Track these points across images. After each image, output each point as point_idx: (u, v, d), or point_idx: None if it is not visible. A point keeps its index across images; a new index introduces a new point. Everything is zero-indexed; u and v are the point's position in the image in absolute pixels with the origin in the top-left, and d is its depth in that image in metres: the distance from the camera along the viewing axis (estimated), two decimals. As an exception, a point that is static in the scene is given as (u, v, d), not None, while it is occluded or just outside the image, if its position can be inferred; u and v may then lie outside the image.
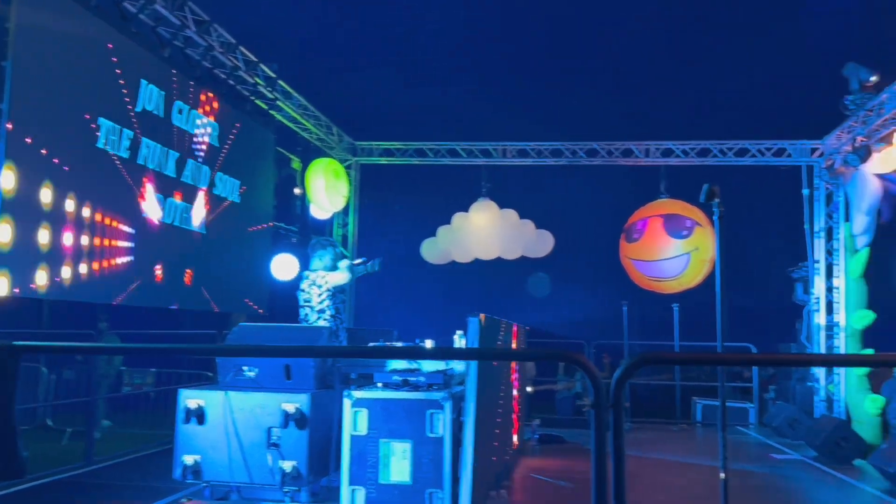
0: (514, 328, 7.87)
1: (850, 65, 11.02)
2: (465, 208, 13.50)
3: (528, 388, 11.77)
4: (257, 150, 10.64)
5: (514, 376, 8.28)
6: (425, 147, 13.27)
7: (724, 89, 15.03)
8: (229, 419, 5.84)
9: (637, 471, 8.39)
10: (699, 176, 12.37)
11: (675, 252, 12.45)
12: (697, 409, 13.20)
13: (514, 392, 8.17)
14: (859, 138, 11.07)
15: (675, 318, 13.35)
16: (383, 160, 13.50)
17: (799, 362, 9.29)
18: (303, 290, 7.25)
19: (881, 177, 10.95)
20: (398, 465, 5.45)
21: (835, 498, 7.71)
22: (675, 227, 12.46)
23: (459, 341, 6.81)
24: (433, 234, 13.82)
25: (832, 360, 9.32)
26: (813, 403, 12.21)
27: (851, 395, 11.48)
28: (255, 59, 9.67)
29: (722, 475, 4.01)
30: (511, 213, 13.43)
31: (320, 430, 5.93)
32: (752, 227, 14.05)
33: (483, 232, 13.28)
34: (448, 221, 13.71)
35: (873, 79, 10.76)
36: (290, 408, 5.75)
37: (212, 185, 9.27)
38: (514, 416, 8.17)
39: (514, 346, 7.75)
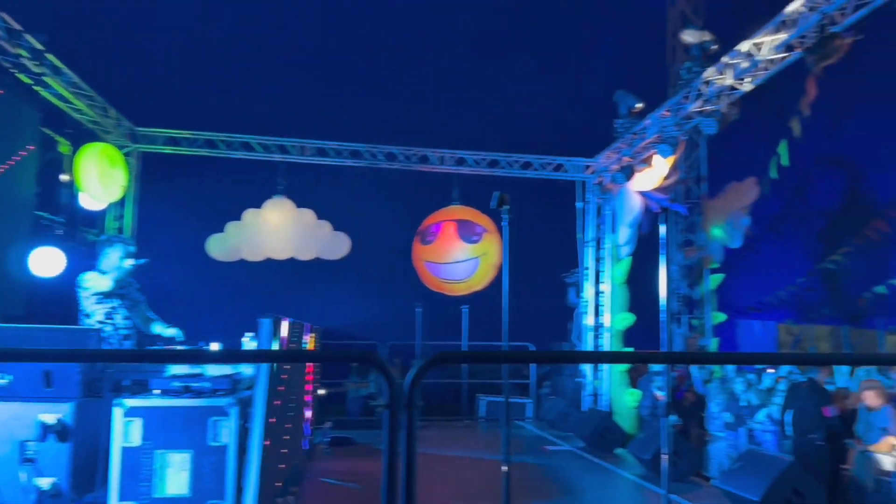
0: (303, 327, 7.70)
1: (620, 92, 12.27)
2: (258, 205, 13.01)
3: (320, 391, 11.60)
4: (16, 129, 9.39)
5: (308, 379, 8.10)
6: (217, 139, 12.58)
7: (514, 107, 15.99)
8: (-28, 434, 5.06)
9: (424, 468, 8.59)
10: (489, 185, 13.03)
11: (465, 256, 13.03)
12: (482, 405, 13.88)
13: (307, 395, 8.00)
14: (625, 158, 12.34)
15: (465, 319, 13.93)
16: (168, 149, 12.56)
17: (570, 359, 10.10)
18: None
19: (642, 194, 12.30)
20: (175, 477, 5.06)
21: (598, 484, 8.46)
22: (467, 232, 13.06)
23: (249, 343, 6.51)
24: (221, 229, 13.15)
25: (598, 357, 10.28)
26: (581, 398, 13.37)
27: (614, 389, 12.74)
28: (20, 28, 8.53)
29: (504, 468, 4.21)
30: (308, 213, 13.18)
31: (86, 442, 5.33)
32: (534, 235, 15.03)
33: (277, 230, 12.89)
34: (238, 217, 13.11)
35: (638, 106, 12.07)
36: (50, 419, 5.12)
37: (-43, 164, 8.02)
38: (305, 419, 7.99)
39: (310, 348, 7.58)
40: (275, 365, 5.42)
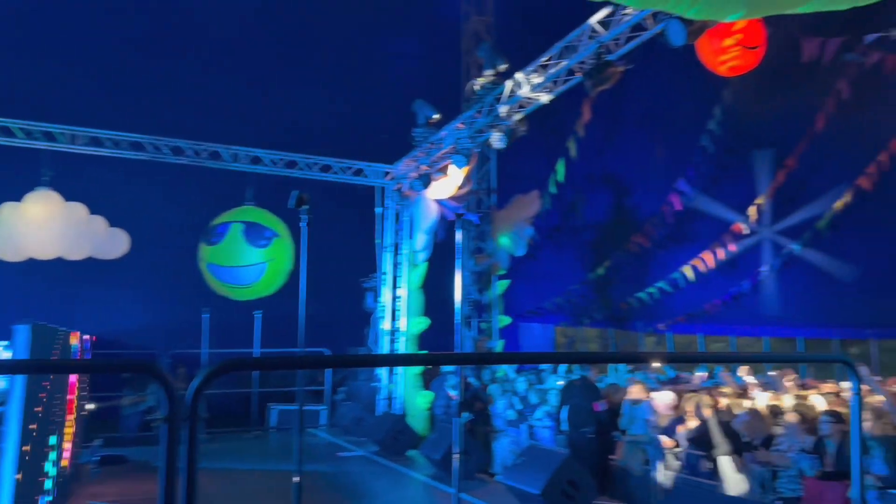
0: (76, 337, 6.91)
1: (419, 102, 12.54)
2: (18, 197, 11.51)
3: (88, 405, 10.48)
4: None
5: (72, 395, 7.26)
6: (-33, 120, 10.94)
7: (315, 108, 15.67)
8: None
9: (208, 484, 8.08)
10: (287, 186, 12.64)
11: (252, 260, 12.50)
12: (273, 414, 13.41)
13: (70, 412, 7.17)
14: (423, 167, 12.64)
15: (257, 325, 13.39)
16: None
17: (366, 363, 10.05)
18: None
19: (439, 202, 12.67)
20: None
21: (389, 486, 8.52)
22: (255, 235, 12.54)
23: (3, 353, 5.69)
24: (-27, 225, 11.45)
25: (394, 360, 10.37)
26: (376, 402, 13.43)
27: (408, 392, 12.95)
28: None
29: (296, 479, 4.05)
30: (78, 207, 11.87)
31: None
32: (332, 239, 14.88)
33: (40, 227, 11.45)
34: (-6, 212, 11.51)
35: (435, 116, 12.41)
36: None
37: None
38: (66, 437, 7.15)
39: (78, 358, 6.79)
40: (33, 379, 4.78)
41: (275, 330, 13.22)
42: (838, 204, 12.13)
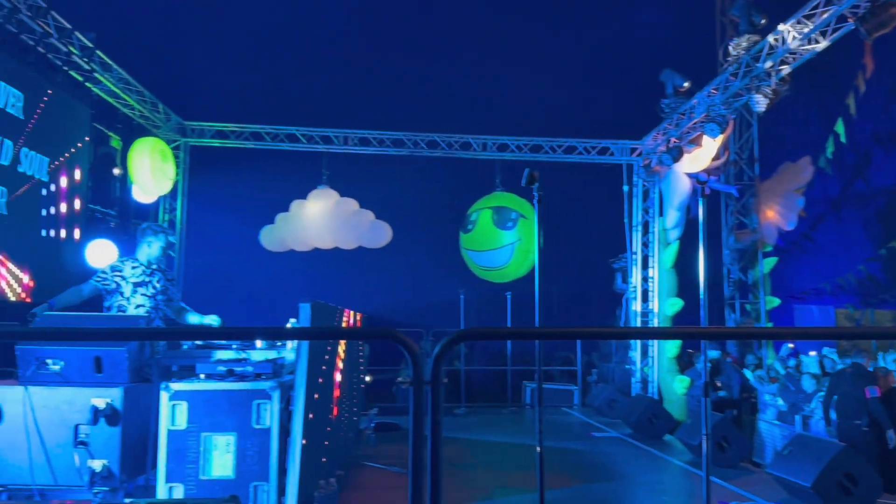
0: (349, 315, 7.77)
1: (667, 71, 11.98)
2: (305, 195, 13.18)
3: (367, 377, 11.72)
4: (69, 125, 9.70)
5: (339, 366, 8.18)
6: (263, 131, 12.78)
7: (557, 90, 15.77)
8: (30, 417, 5.26)
9: (469, 453, 8.61)
10: (534, 170, 12.88)
11: (501, 242, 13.00)
12: (527, 392, 13.84)
13: (337, 378, 8.08)
14: (672, 139, 12.06)
15: (508, 305, 13.89)
16: (216, 142, 12.83)
17: (603, 335, 9.90)
18: None
19: (691, 175, 12.01)
20: (220, 459, 5.18)
21: (645, 469, 8.34)
22: (502, 218, 13.02)
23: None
24: (272, 221, 13.37)
25: (632, 333, 10.04)
26: (630, 384, 13.20)
27: (663, 376, 12.54)
28: (69, 27, 8.80)
29: (538, 449, 4.18)
30: (350, 202, 13.29)
31: (135, 426, 5.49)
32: (578, 220, 14.88)
33: (319, 221, 13.02)
34: (287, 209, 13.31)
35: (686, 85, 11.77)
36: (101, 403, 5.27)
37: (15, 161, 8.33)
38: (344, 402, 8.08)
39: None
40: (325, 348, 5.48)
41: (527, 310, 13.58)
42: None
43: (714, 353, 10.95)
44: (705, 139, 11.13)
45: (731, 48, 10.59)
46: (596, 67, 16.37)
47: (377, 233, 13.29)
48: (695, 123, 11.21)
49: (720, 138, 11.09)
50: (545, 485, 4.29)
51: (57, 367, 5.53)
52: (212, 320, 6.60)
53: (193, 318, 6.76)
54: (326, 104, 14.95)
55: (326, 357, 6.20)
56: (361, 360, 10.43)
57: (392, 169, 14.15)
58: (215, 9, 15.43)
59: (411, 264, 15.50)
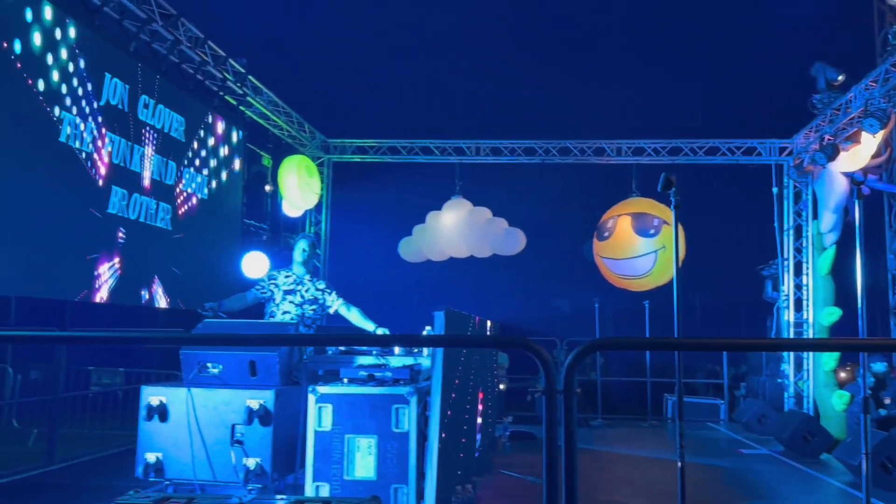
0: (479, 322, 7.86)
1: (818, 65, 11.18)
2: (440, 206, 13.48)
3: (501, 385, 11.76)
4: (226, 146, 10.53)
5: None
6: (398, 145, 13.22)
7: (694, 89, 15.17)
8: (192, 416, 5.74)
9: (605, 465, 8.42)
10: (672, 173, 12.44)
11: (643, 250, 12.55)
12: (668, 405, 13.31)
13: (479, 388, 8.15)
14: (827, 137, 11.23)
15: (646, 314, 13.44)
16: (356, 158, 13.42)
17: (745, 347, 9.28)
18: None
19: (848, 175, 11.11)
20: (363, 460, 5.40)
21: (798, 490, 7.79)
22: (643, 225, 12.56)
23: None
24: (409, 232, 13.77)
25: (785, 345, 9.35)
26: (783, 399, 12.36)
27: (819, 391, 11.64)
28: (224, 55, 9.57)
29: (678, 463, 4.03)
30: (483, 211, 13.42)
31: (285, 426, 5.84)
32: (721, 225, 14.19)
33: (454, 230, 13.25)
34: (423, 220, 13.66)
35: (840, 78, 10.93)
36: (255, 404, 5.66)
37: (179, 180, 9.15)
38: (481, 411, 8.16)
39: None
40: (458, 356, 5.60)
41: (666, 319, 13.09)
42: None
43: (880, 367, 10.07)
44: (864, 135, 10.27)
45: (890, 36, 9.72)
46: (738, 62, 15.58)
47: (511, 240, 13.33)
48: (851, 119, 10.38)
49: (880, 134, 10.19)
50: (686, 501, 4.13)
51: (216, 371, 5.99)
52: (382, 331, 6.83)
53: (358, 317, 6.95)
54: (459, 116, 15.24)
55: (460, 368, 6.31)
56: (497, 369, 10.48)
57: (524, 177, 14.17)
58: (353, 35, 16.19)
59: (545, 272, 15.42)
